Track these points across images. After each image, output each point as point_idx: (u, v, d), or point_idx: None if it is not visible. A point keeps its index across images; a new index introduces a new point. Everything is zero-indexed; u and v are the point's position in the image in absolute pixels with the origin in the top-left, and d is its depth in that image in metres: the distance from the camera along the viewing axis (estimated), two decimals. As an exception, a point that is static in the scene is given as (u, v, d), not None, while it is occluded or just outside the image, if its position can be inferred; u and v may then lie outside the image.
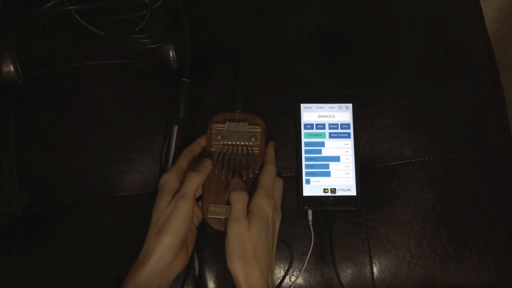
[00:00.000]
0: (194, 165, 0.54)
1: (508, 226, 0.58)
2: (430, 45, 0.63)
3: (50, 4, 0.60)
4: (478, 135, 0.61)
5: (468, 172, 0.59)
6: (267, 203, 0.50)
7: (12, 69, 0.63)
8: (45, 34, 0.63)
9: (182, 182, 0.50)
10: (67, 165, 0.59)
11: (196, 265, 0.58)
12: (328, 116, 0.60)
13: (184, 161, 0.54)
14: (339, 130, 0.59)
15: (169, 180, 0.51)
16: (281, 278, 0.57)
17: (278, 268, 0.57)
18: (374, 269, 0.57)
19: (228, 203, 0.53)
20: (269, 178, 0.52)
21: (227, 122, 0.56)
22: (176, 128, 0.58)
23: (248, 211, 0.50)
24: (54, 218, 0.58)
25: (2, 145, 0.61)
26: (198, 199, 0.55)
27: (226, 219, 0.53)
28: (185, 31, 0.62)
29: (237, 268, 0.47)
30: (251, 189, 0.53)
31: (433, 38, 0.64)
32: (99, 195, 0.59)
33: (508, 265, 0.57)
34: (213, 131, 0.56)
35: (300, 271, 0.57)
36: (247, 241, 0.47)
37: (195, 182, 0.50)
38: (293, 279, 0.57)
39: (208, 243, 0.58)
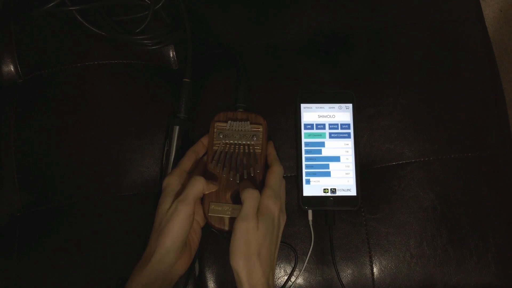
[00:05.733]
0: (198, 169, 0.53)
1: (508, 226, 0.58)
2: (430, 45, 0.63)
3: (51, 4, 0.60)
4: (478, 135, 0.61)
5: (468, 172, 0.59)
6: (274, 203, 0.50)
7: (12, 69, 0.63)
8: (45, 34, 0.63)
9: (185, 185, 0.50)
10: (67, 165, 0.59)
11: (196, 265, 0.58)
12: (328, 116, 0.60)
13: (187, 162, 0.54)
14: (339, 130, 0.59)
15: (172, 182, 0.51)
16: (281, 278, 0.57)
17: (278, 268, 0.57)
18: (374, 269, 0.57)
19: (232, 202, 0.53)
20: (277, 179, 0.52)
21: (229, 121, 0.56)
22: (177, 128, 0.58)
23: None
24: (54, 218, 0.58)
25: (2, 145, 0.61)
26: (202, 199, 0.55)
27: (227, 218, 0.53)
28: (187, 31, 0.62)
29: (240, 266, 0.47)
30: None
31: (433, 38, 0.64)
32: (99, 195, 0.59)
33: (508, 265, 0.57)
34: (215, 130, 0.56)
35: (300, 271, 0.57)
36: (253, 240, 0.47)
37: (197, 186, 0.50)
38: (293, 279, 0.57)
39: (208, 243, 0.58)
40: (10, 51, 0.63)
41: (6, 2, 0.65)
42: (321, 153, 0.59)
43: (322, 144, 0.59)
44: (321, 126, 0.59)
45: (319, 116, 0.60)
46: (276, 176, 0.52)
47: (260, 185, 0.53)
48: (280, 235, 0.52)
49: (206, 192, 0.52)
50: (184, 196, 0.49)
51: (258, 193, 0.49)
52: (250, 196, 0.49)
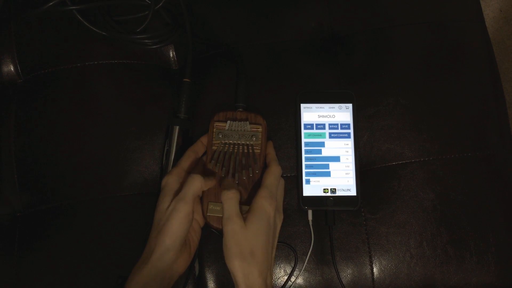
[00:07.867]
0: (197, 169, 0.54)
1: (508, 226, 0.58)
2: (430, 45, 0.63)
3: (51, 3, 0.60)
4: (478, 135, 0.61)
5: (468, 172, 0.59)
6: (269, 203, 0.50)
7: (12, 69, 0.63)
8: (45, 34, 0.63)
9: (183, 184, 0.50)
10: (67, 165, 0.59)
11: (196, 265, 0.58)
12: (328, 116, 0.60)
13: (186, 161, 0.54)
14: (339, 130, 0.59)
15: (170, 181, 0.51)
16: (281, 278, 0.57)
17: (278, 269, 0.57)
18: (374, 269, 0.57)
19: None
20: (273, 179, 0.52)
21: (228, 121, 0.56)
22: (177, 128, 0.58)
23: (249, 211, 0.50)
24: (54, 218, 0.58)
25: (2, 145, 0.61)
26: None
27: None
28: (187, 31, 0.62)
29: (236, 266, 0.47)
30: (253, 188, 0.53)
31: (433, 38, 0.64)
32: (99, 195, 0.59)
33: (508, 265, 0.57)
34: (214, 129, 0.56)
35: (300, 271, 0.57)
36: (243, 239, 0.47)
37: (195, 184, 0.50)
38: (293, 279, 0.57)
39: (208, 243, 0.58)
40: (10, 51, 0.63)
41: (6, 2, 0.65)
42: (321, 153, 0.59)
43: (322, 144, 0.59)
44: (321, 126, 0.59)
45: (319, 116, 0.60)
46: (272, 176, 0.52)
47: (258, 186, 0.53)
48: (277, 234, 0.52)
49: (205, 189, 0.52)
50: (182, 195, 0.49)
51: (235, 192, 0.50)
52: (226, 198, 0.50)
